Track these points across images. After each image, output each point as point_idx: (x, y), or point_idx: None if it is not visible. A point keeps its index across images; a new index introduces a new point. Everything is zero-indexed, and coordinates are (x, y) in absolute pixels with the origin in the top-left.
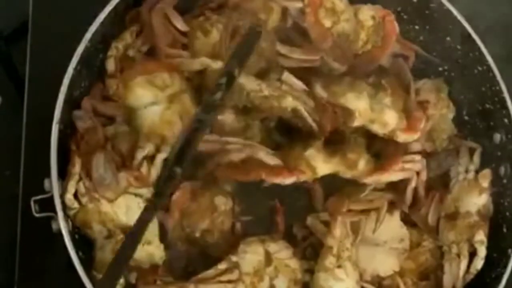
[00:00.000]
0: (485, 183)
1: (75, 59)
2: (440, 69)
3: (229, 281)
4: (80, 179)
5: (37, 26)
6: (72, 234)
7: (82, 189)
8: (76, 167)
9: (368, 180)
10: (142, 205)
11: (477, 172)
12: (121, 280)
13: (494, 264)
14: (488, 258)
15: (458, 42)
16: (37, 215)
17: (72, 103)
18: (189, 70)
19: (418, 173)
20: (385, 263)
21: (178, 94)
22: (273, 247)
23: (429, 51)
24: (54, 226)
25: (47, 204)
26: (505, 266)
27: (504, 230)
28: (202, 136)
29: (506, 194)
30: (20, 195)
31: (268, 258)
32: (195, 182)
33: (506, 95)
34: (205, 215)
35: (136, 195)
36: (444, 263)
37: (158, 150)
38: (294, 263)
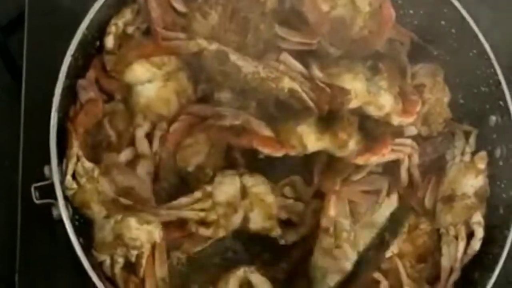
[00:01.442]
0: (481, 165)
1: (73, 46)
2: (435, 53)
3: (202, 210)
4: (78, 160)
5: (34, 16)
6: (72, 220)
7: (80, 169)
8: (74, 148)
9: (358, 160)
10: (138, 179)
11: (473, 154)
12: (121, 259)
13: (491, 245)
14: (485, 239)
15: (452, 26)
16: (37, 201)
17: (70, 91)
18: (186, 52)
19: (409, 156)
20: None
21: (174, 72)
22: (250, 180)
23: (424, 35)
24: (54, 212)
25: (47, 191)
26: (502, 247)
27: (501, 211)
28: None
29: (502, 176)
30: (20, 183)
31: (244, 191)
32: (195, 118)
33: (501, 77)
34: (200, 150)
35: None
36: (442, 245)
37: (154, 127)
38: (270, 199)
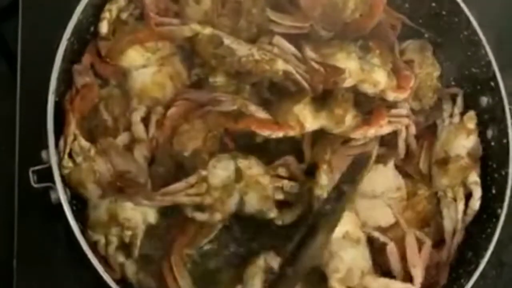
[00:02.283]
0: (471, 124)
1: (68, 30)
2: (426, 35)
3: (197, 195)
4: (75, 138)
5: (28, 2)
6: (70, 203)
7: (77, 148)
8: (71, 126)
9: (356, 134)
10: (134, 161)
11: (462, 115)
12: (115, 239)
13: (484, 224)
14: (478, 219)
15: (443, 8)
16: (35, 185)
17: (67, 75)
18: (179, 37)
19: (407, 127)
20: (385, 214)
21: (168, 56)
22: (244, 163)
23: (415, 17)
24: (52, 196)
25: (45, 176)
26: (495, 227)
27: (493, 191)
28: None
29: (494, 157)
30: (17, 168)
31: (239, 174)
32: (191, 103)
33: (491, 58)
34: (197, 135)
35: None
36: (442, 209)
37: (150, 111)
38: (265, 180)
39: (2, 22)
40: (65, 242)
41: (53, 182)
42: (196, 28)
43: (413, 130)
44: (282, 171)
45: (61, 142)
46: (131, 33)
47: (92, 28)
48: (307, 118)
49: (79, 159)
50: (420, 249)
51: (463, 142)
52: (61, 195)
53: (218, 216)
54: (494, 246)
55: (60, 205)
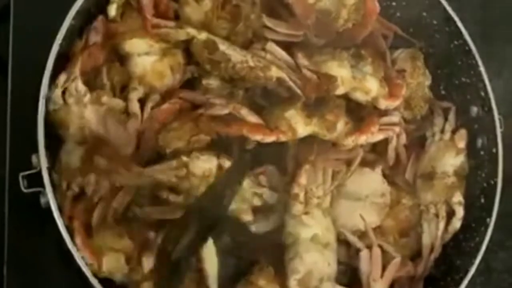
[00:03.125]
0: (461, 144)
1: (60, 34)
2: (417, 44)
3: (176, 176)
4: (74, 79)
5: (19, 8)
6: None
7: (72, 89)
8: (76, 68)
9: (347, 141)
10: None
11: (453, 132)
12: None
13: (473, 233)
14: (467, 227)
15: (434, 17)
16: (25, 190)
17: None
18: (175, 40)
19: (398, 136)
20: (366, 218)
21: (171, 48)
22: (226, 162)
23: (406, 26)
24: (42, 200)
25: (35, 180)
26: (484, 235)
27: (482, 200)
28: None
29: (483, 166)
30: (7, 173)
31: (220, 171)
32: (185, 103)
33: (482, 68)
34: (183, 136)
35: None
36: (423, 223)
37: (146, 97)
38: (244, 183)
39: None
40: (55, 247)
41: (43, 186)
42: (192, 32)
43: (403, 139)
44: (262, 180)
45: (62, 77)
46: (128, 30)
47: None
48: (299, 124)
49: (70, 100)
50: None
51: (451, 160)
52: (51, 200)
53: (189, 201)
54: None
55: (50, 209)
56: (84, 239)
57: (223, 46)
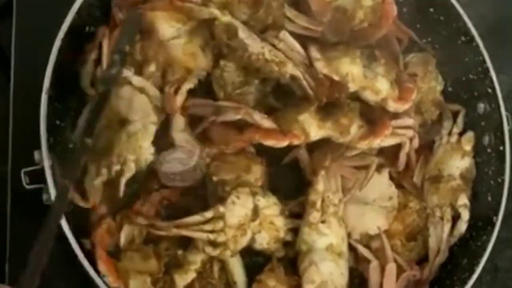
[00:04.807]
0: (468, 146)
1: (63, 30)
2: (424, 40)
3: (212, 231)
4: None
5: (22, 4)
6: None
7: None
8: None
9: (361, 144)
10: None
11: (460, 135)
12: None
13: (479, 232)
14: (473, 226)
15: (441, 13)
16: (27, 186)
17: (60, 76)
18: (197, 17)
19: (410, 140)
20: (374, 222)
21: (198, 27)
22: (262, 202)
23: (413, 22)
24: (44, 197)
25: (37, 177)
26: (491, 234)
27: (489, 198)
28: (104, 108)
29: (490, 163)
30: (9, 170)
31: (255, 213)
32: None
33: (489, 64)
34: (235, 171)
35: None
36: (429, 226)
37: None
38: (279, 221)
39: None
40: (57, 243)
41: (45, 183)
42: (215, 12)
43: (416, 143)
44: (296, 209)
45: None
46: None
47: (87, 28)
48: (312, 127)
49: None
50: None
51: (457, 163)
52: (53, 196)
53: (228, 254)
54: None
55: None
56: (109, 264)
57: (242, 34)
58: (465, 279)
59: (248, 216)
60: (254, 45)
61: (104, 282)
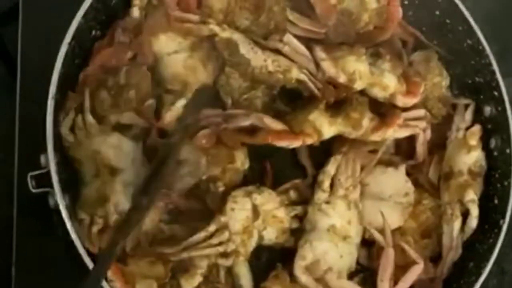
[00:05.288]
0: (473, 140)
1: (69, 34)
2: (434, 48)
3: (220, 243)
4: (78, 113)
5: (28, 7)
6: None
7: (80, 122)
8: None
9: (375, 136)
10: (132, 146)
11: (467, 129)
12: (101, 221)
13: (486, 235)
14: (480, 229)
15: (447, 16)
16: (34, 190)
17: (66, 80)
18: (197, 36)
19: (424, 131)
20: (390, 217)
21: (200, 42)
22: (259, 199)
23: (419, 25)
24: (51, 201)
25: (44, 181)
26: (497, 237)
27: (496, 201)
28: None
29: (497, 167)
30: (16, 174)
31: (256, 211)
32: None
33: (495, 67)
34: (219, 163)
35: (128, 136)
36: (443, 224)
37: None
38: (281, 213)
39: (2, 26)
40: (64, 248)
41: (52, 187)
42: (215, 29)
43: (428, 134)
44: (293, 195)
45: (70, 114)
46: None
47: (93, 32)
48: (324, 125)
49: (80, 134)
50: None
51: (464, 158)
52: (59, 200)
53: (241, 258)
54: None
55: (58, 210)
56: (115, 269)
57: (243, 50)
58: (472, 283)
59: (250, 217)
60: (256, 59)
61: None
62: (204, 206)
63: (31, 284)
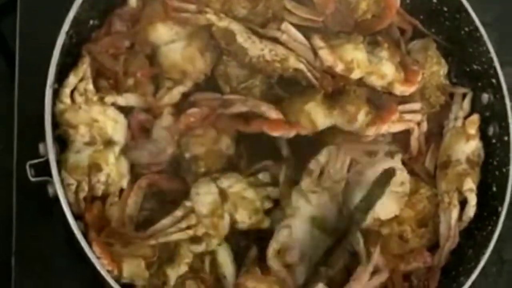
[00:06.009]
0: (471, 129)
1: (67, 23)
2: (433, 36)
3: (188, 227)
4: (82, 79)
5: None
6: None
7: (82, 88)
8: (84, 65)
9: (369, 131)
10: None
11: (466, 118)
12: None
13: (484, 222)
14: (479, 216)
15: (444, 4)
16: (33, 179)
17: (64, 69)
18: (195, 25)
19: (418, 124)
20: (385, 207)
21: (198, 31)
22: (225, 182)
23: (416, 13)
24: (50, 190)
25: (42, 169)
26: (495, 224)
27: (494, 189)
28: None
29: (495, 154)
30: (15, 163)
31: (223, 195)
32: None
33: (493, 54)
34: (205, 144)
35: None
36: (440, 212)
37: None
38: (250, 193)
39: (0, 18)
40: (63, 237)
41: (51, 175)
42: (212, 19)
43: (424, 126)
44: (264, 177)
45: (71, 77)
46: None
47: (91, 22)
48: (319, 117)
49: (79, 100)
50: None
51: (462, 147)
52: (59, 189)
53: (214, 242)
54: (495, 243)
55: (57, 199)
56: (103, 248)
57: (241, 39)
58: (471, 269)
59: (218, 200)
60: (253, 48)
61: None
62: (186, 188)
63: (30, 273)
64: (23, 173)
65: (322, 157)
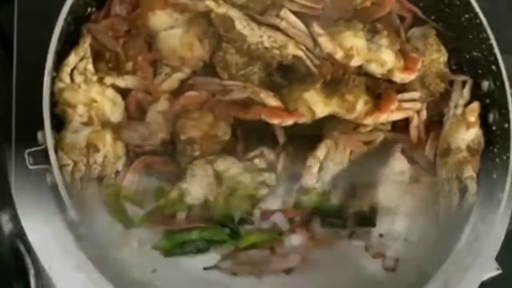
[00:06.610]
0: (471, 117)
1: (65, 10)
2: (433, 24)
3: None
4: (83, 58)
5: None
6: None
7: (82, 67)
8: (85, 45)
9: (368, 121)
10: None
11: (466, 106)
12: (83, 168)
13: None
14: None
15: None
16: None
17: (62, 56)
18: (193, 11)
19: (418, 112)
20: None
21: (196, 17)
22: (221, 166)
23: (415, 0)
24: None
25: (41, 157)
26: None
27: (494, 176)
28: None
29: (495, 141)
30: (13, 151)
31: (219, 178)
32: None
33: (493, 41)
34: (201, 127)
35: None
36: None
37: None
38: (246, 178)
39: None
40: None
41: (49, 163)
42: (210, 5)
43: (424, 115)
44: (260, 163)
45: (72, 56)
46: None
47: (89, 9)
48: (318, 105)
49: (78, 79)
50: None
51: (463, 135)
52: (57, 177)
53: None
54: None
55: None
56: None
57: (239, 25)
58: None
59: (213, 183)
60: (252, 35)
61: None
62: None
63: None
64: (21, 160)
65: (319, 151)
